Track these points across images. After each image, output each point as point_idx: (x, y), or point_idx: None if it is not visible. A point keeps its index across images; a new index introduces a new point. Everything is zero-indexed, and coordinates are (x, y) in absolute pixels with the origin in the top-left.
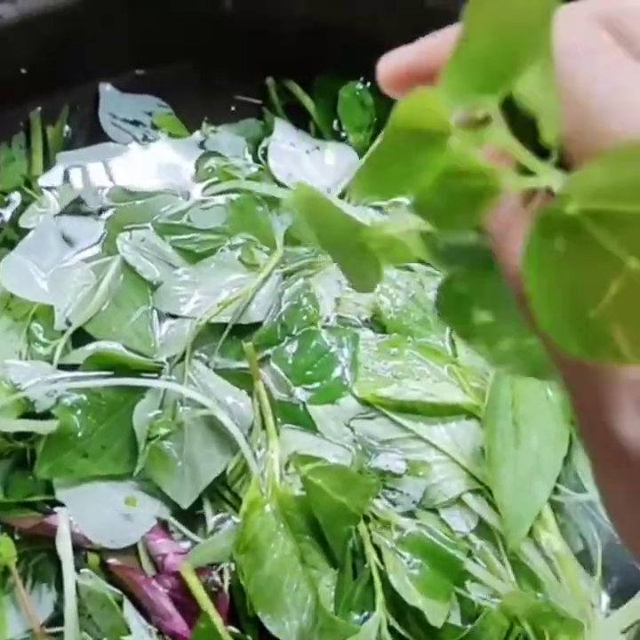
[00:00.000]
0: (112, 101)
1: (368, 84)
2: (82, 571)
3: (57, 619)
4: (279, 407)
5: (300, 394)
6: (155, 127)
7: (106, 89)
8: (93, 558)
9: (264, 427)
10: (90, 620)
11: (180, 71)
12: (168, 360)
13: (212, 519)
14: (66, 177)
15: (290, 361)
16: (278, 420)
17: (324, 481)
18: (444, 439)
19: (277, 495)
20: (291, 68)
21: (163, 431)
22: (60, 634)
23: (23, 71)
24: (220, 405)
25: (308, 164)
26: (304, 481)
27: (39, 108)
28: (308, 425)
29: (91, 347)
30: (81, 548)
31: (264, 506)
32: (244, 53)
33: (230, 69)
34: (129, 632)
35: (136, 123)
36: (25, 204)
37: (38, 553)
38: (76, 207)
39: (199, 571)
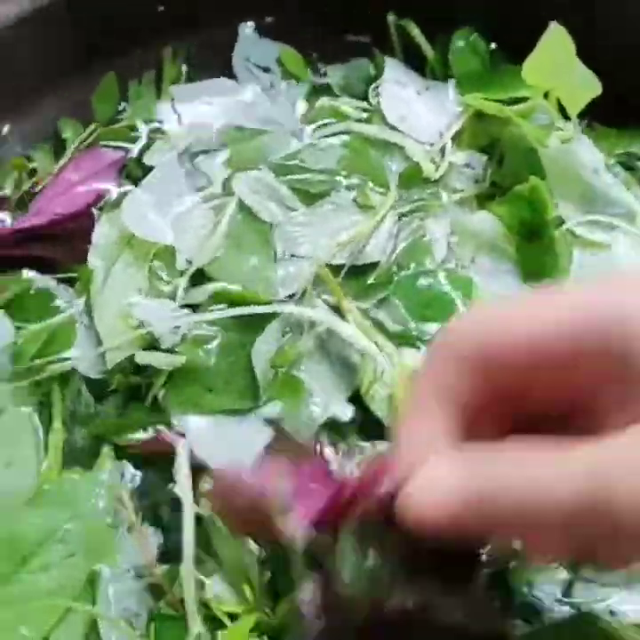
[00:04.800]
0: (249, 44)
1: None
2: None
3: (166, 552)
4: (399, 337)
5: (419, 329)
6: (284, 75)
7: (245, 31)
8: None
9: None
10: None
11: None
12: (287, 298)
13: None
14: (182, 113)
15: (407, 300)
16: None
17: None
18: None
19: None
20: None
21: (282, 362)
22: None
23: (160, 8)
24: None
25: (420, 105)
26: None
27: (170, 47)
28: None
29: (211, 286)
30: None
31: None
32: None
33: (347, 9)
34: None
35: (266, 69)
36: (151, 141)
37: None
38: (194, 145)
39: None
